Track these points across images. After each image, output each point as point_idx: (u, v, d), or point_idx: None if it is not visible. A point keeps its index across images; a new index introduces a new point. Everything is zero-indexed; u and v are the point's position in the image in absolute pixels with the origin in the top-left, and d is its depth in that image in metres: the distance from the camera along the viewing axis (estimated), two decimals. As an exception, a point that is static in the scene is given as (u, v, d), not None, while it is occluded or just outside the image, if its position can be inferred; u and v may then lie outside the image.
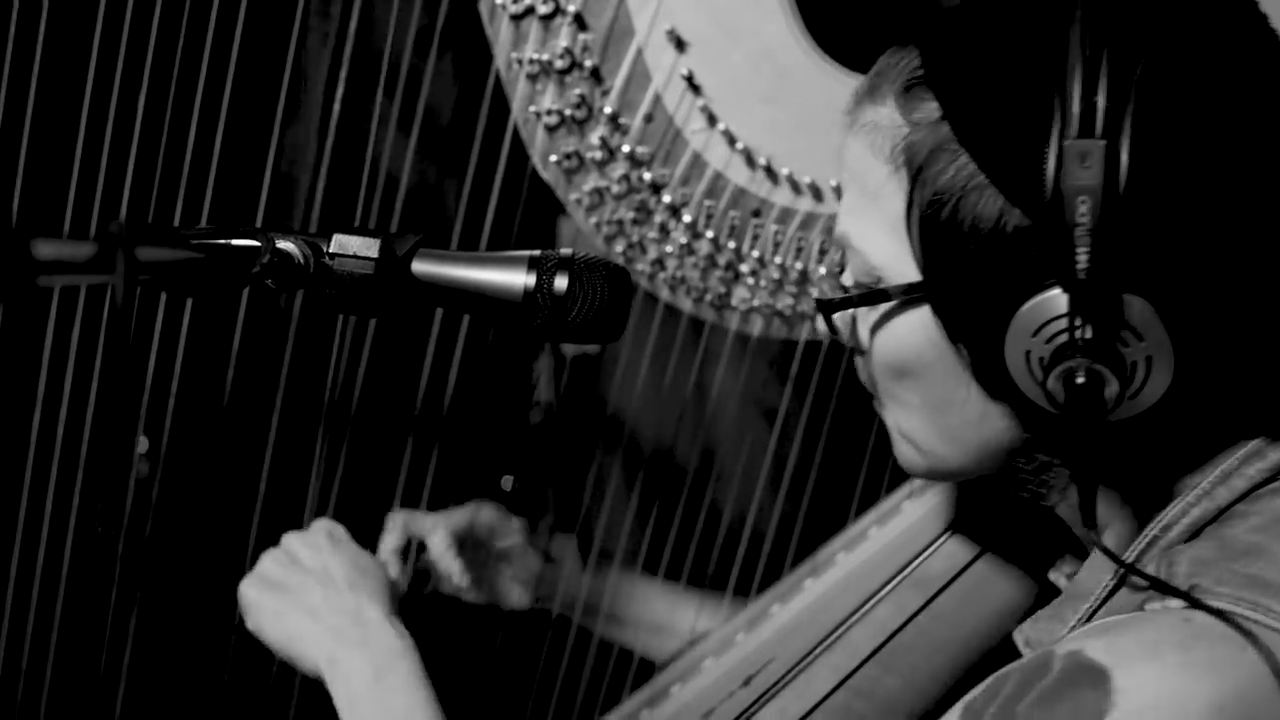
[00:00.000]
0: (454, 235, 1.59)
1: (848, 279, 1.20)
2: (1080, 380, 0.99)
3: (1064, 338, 0.99)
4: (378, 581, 1.45)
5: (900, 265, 1.11)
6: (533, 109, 1.54)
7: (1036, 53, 1.00)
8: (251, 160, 1.57)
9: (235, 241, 1.07)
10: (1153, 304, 0.98)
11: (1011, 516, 1.47)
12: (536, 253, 1.14)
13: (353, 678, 1.37)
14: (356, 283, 1.10)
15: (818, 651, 1.53)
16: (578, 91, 1.53)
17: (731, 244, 1.59)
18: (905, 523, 1.61)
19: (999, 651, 1.42)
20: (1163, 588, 1.02)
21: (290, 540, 1.49)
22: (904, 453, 1.23)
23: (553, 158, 1.56)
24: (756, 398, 1.79)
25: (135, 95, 1.54)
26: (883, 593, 1.54)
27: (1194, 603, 0.99)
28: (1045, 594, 1.41)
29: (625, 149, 1.55)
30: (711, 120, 1.54)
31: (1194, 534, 1.08)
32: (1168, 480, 1.11)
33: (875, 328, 1.16)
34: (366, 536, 1.56)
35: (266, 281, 1.08)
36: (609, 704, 1.70)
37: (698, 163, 1.56)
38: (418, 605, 1.57)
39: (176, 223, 1.55)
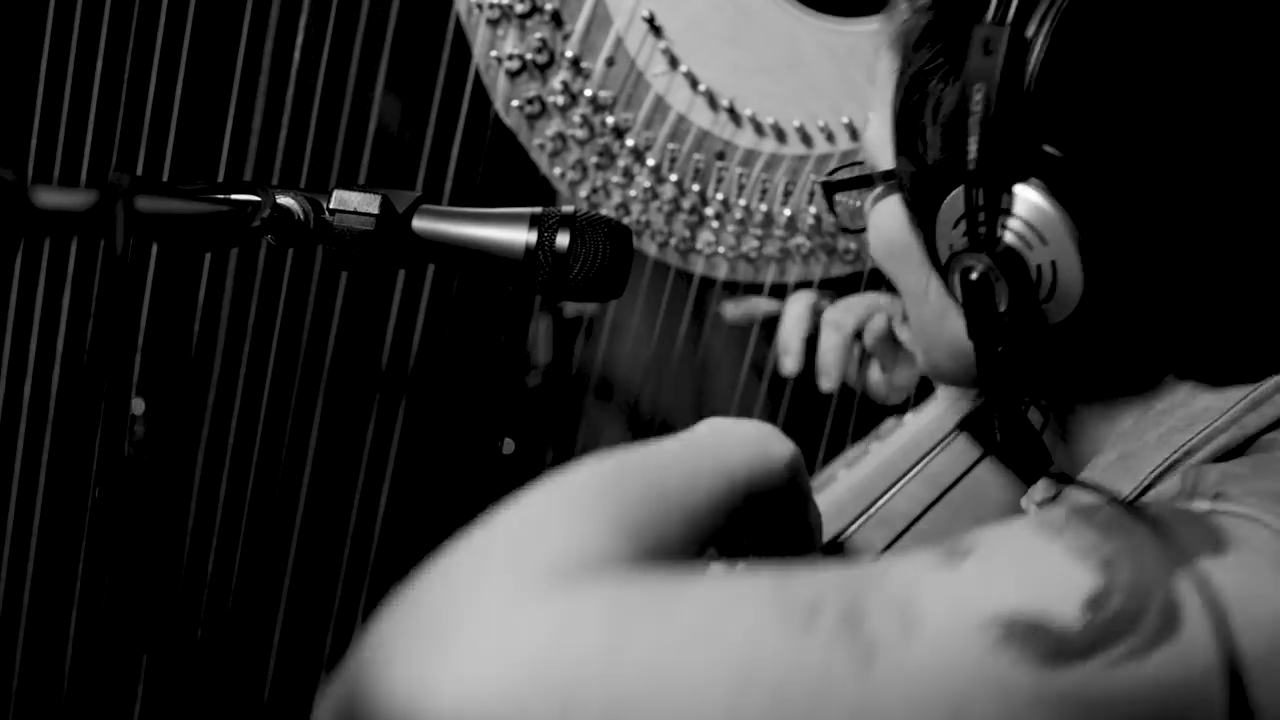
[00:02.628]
0: (417, 182, 1.58)
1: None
2: (972, 277, 0.99)
3: (959, 231, 1.00)
4: None
5: (884, 152, 1.12)
6: (494, 54, 1.53)
7: None
8: (211, 113, 1.54)
9: (235, 196, 1.06)
10: (1062, 205, 0.96)
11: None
12: (538, 210, 1.13)
13: None
14: (356, 239, 1.09)
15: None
16: (539, 36, 1.52)
17: (696, 187, 1.59)
18: (906, 434, 1.59)
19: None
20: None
21: None
22: (916, 350, 1.24)
23: (515, 103, 1.55)
24: (723, 342, 1.79)
25: (94, 47, 1.51)
26: (894, 489, 1.51)
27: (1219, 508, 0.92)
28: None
29: (587, 93, 1.55)
30: (674, 63, 1.54)
31: (1220, 459, 1.03)
32: (1080, 401, 1.11)
33: (873, 210, 1.17)
34: (362, 496, 1.56)
35: (266, 237, 1.07)
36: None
37: (660, 106, 1.56)
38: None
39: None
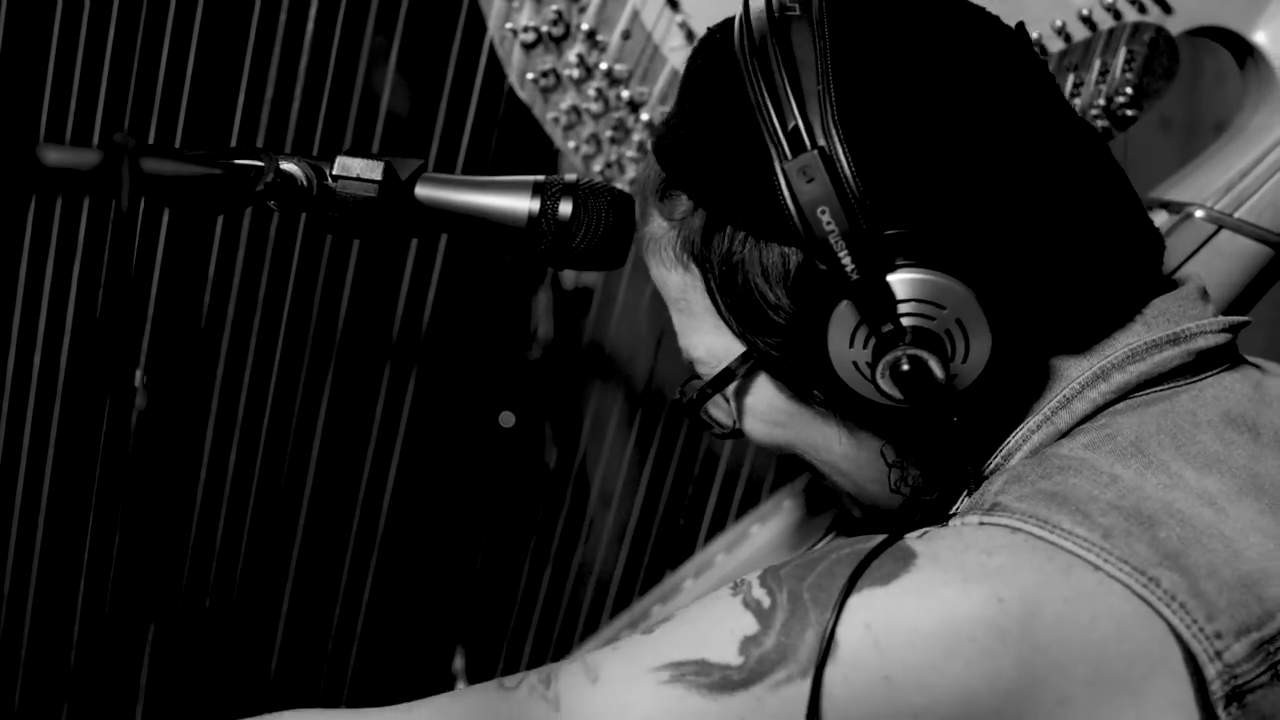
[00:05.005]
0: (431, 154, 1.57)
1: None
2: (905, 367, 1.02)
3: (872, 340, 1.03)
4: None
5: (731, 347, 1.15)
6: (509, 26, 1.51)
7: (733, 112, 1.06)
8: (224, 84, 1.54)
9: (239, 160, 1.06)
10: (938, 271, 1.02)
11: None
12: (540, 178, 1.13)
13: None
14: (359, 205, 1.09)
15: None
16: (554, 8, 1.51)
17: (710, 162, 1.58)
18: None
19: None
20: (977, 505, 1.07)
21: None
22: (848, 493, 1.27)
23: (529, 76, 1.54)
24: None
25: (107, 14, 1.51)
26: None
27: (989, 520, 1.03)
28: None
29: (603, 66, 1.53)
30: (689, 36, 1.53)
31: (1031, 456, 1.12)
32: (1017, 411, 1.14)
33: (738, 402, 1.20)
34: (371, 469, 1.56)
35: (269, 202, 1.07)
36: (589, 628, 1.71)
37: (676, 80, 1.54)
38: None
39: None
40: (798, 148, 1.00)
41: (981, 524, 1.02)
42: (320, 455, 1.62)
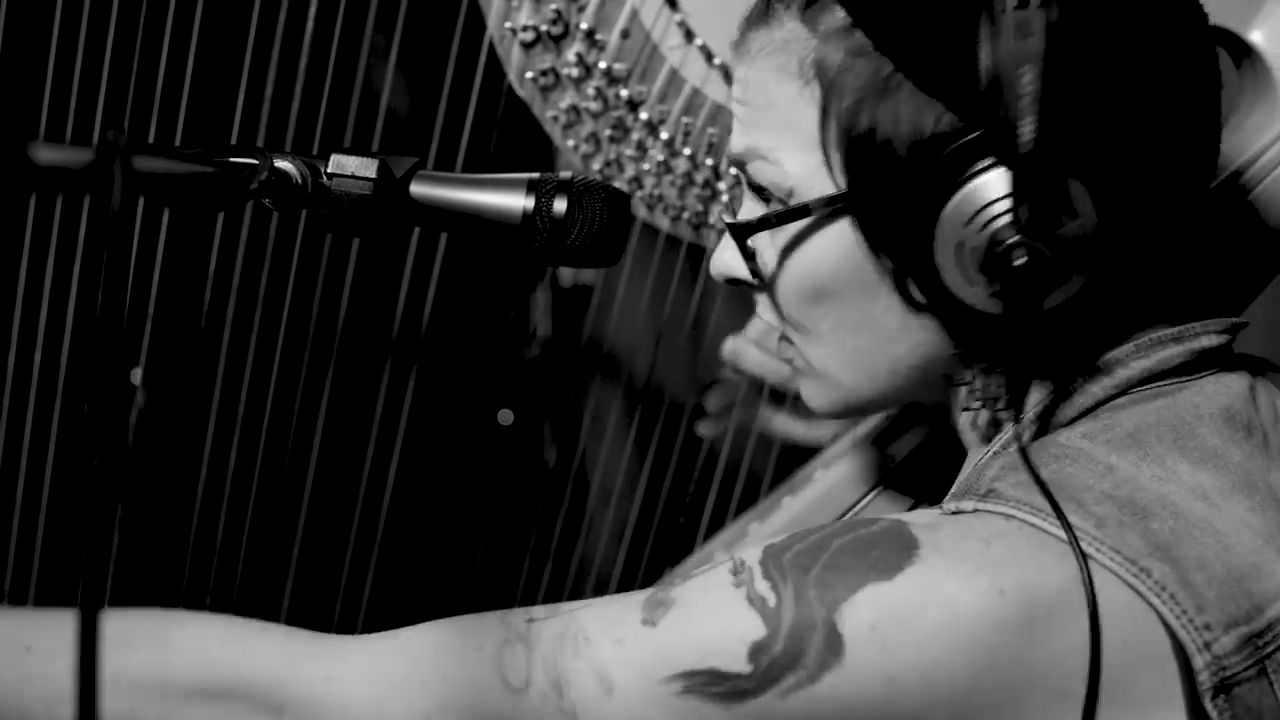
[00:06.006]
0: (430, 154, 1.57)
1: (744, 215, 1.18)
2: (1020, 261, 0.99)
3: (1003, 220, 1.00)
4: None
5: (814, 181, 1.10)
6: (508, 25, 1.52)
7: None
8: (223, 82, 1.54)
9: (232, 158, 1.06)
10: (1083, 182, 1.00)
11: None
12: (535, 175, 1.13)
13: None
14: (353, 203, 1.09)
15: None
16: (554, 7, 1.51)
17: (709, 161, 1.58)
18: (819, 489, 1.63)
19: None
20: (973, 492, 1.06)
21: None
22: (810, 390, 1.21)
23: (529, 74, 1.54)
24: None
25: (107, 12, 1.51)
26: (863, 502, 1.54)
27: (983, 507, 1.03)
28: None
29: (602, 65, 1.54)
30: (689, 35, 1.53)
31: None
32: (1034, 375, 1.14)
33: (787, 250, 1.13)
34: (366, 468, 1.56)
35: (264, 200, 1.07)
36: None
37: (675, 79, 1.55)
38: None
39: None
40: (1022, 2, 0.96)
41: (977, 511, 1.03)
42: (320, 453, 1.62)
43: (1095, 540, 0.98)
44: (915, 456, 1.53)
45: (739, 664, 0.99)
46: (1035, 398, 1.12)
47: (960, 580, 0.97)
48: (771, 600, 0.99)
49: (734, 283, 1.21)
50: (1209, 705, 0.96)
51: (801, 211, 1.10)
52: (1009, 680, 0.96)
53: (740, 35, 1.16)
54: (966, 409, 1.17)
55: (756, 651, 0.98)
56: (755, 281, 1.18)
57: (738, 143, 1.16)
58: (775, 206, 1.13)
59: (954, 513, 1.04)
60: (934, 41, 1.02)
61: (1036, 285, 1.00)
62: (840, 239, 1.10)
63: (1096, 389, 1.10)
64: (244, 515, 1.64)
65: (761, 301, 1.21)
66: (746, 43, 1.15)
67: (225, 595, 1.69)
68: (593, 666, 1.02)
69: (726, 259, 1.20)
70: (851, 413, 1.24)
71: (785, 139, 1.11)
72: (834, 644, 0.97)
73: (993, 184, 1.00)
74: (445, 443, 1.69)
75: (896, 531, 1.01)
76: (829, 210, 1.09)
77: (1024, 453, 1.04)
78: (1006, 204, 0.99)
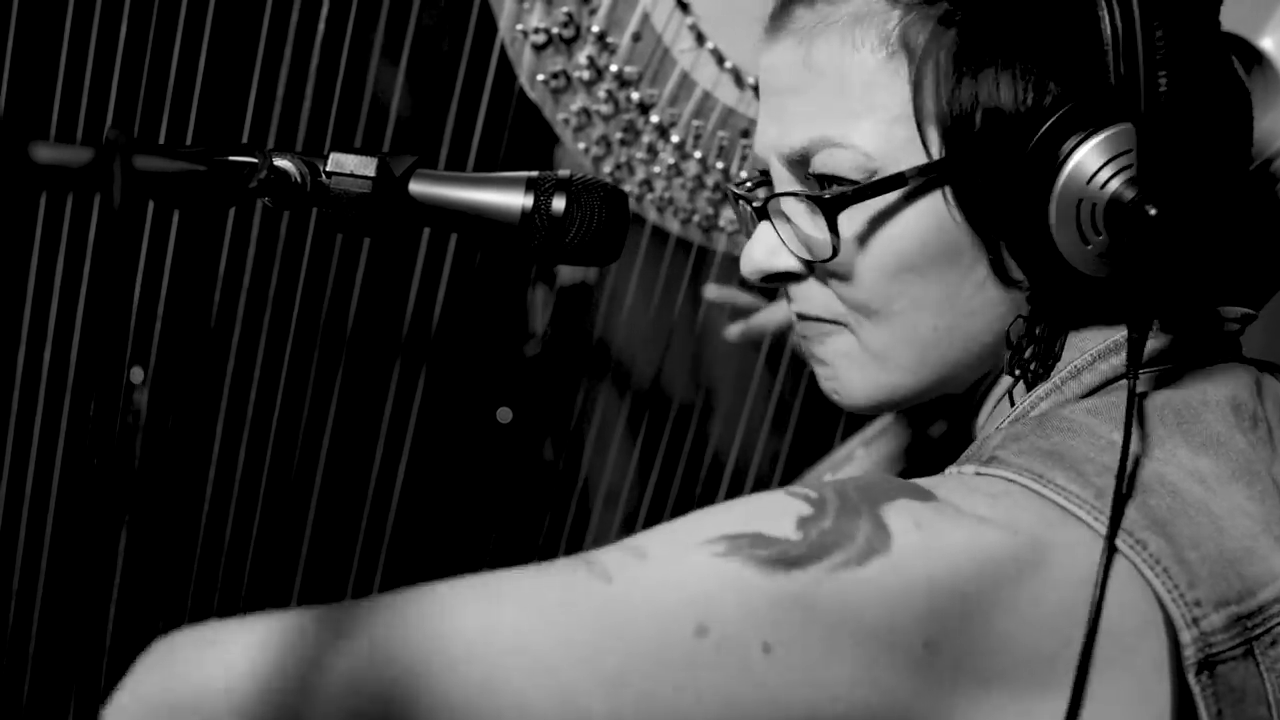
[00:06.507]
0: (441, 155, 1.58)
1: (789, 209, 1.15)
2: (1154, 212, 0.97)
3: (1129, 173, 0.99)
4: None
5: (901, 155, 1.07)
6: (520, 28, 1.52)
7: None
8: (234, 83, 1.55)
9: (232, 157, 1.06)
10: (1192, 145, 1.02)
11: None
12: (534, 174, 1.13)
13: None
14: (352, 202, 1.09)
15: None
16: (565, 10, 1.51)
17: (720, 164, 1.58)
18: (890, 445, 1.62)
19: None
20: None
21: None
22: (856, 377, 1.17)
23: (540, 77, 1.54)
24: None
25: (119, 14, 1.52)
26: None
27: (984, 471, 1.02)
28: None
29: (613, 68, 1.54)
30: (700, 39, 1.53)
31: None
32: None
33: (871, 225, 1.09)
34: (374, 468, 1.56)
35: (263, 199, 1.07)
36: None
37: (686, 82, 1.55)
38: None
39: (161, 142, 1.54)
40: None
41: (978, 474, 1.02)
42: (329, 453, 1.62)
43: (1094, 510, 0.97)
44: (948, 439, 1.53)
45: (787, 530, 0.93)
46: (1042, 387, 1.11)
47: (979, 518, 0.95)
48: (815, 495, 0.96)
49: (772, 280, 1.18)
50: (1192, 680, 0.95)
51: (897, 181, 1.06)
52: (1030, 619, 0.94)
53: (784, 13, 1.12)
54: (1010, 373, 1.14)
55: (805, 523, 0.93)
56: (803, 270, 1.16)
57: (796, 136, 1.11)
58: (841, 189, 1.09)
59: (957, 474, 1.04)
60: (1028, 9, 1.02)
61: (1164, 240, 0.98)
62: (932, 212, 1.07)
63: (1105, 367, 1.09)
64: (253, 513, 1.64)
65: (803, 293, 1.18)
66: (794, 20, 1.11)
67: (234, 592, 1.69)
68: (621, 544, 0.95)
69: (762, 253, 1.17)
70: (891, 404, 1.19)
71: (863, 119, 1.08)
72: (880, 533, 0.93)
73: (1117, 140, 0.99)
74: (454, 443, 1.69)
75: (912, 485, 0.99)
76: (923, 181, 1.06)
77: (1027, 423, 1.05)
78: (1130, 160, 0.99)
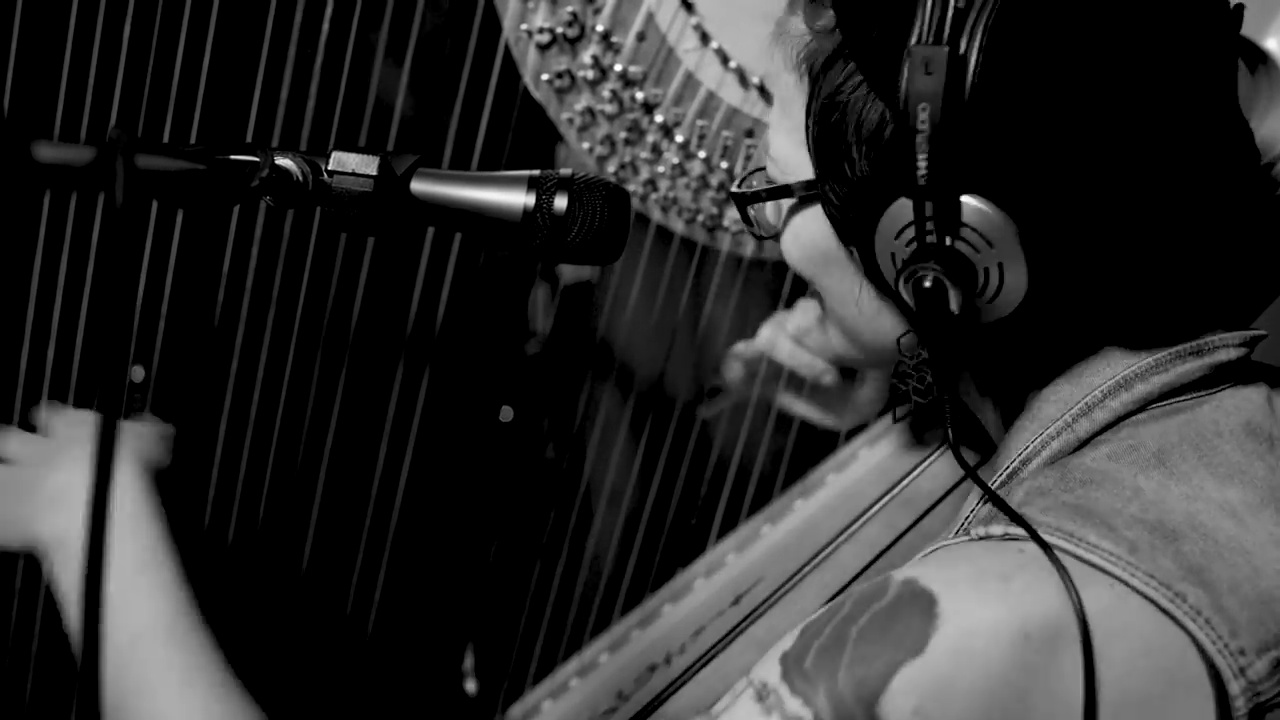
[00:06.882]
0: (445, 155, 1.58)
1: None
2: (926, 284, 1.03)
3: (913, 244, 1.03)
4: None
5: (803, 167, 1.14)
6: (524, 27, 1.52)
7: None
8: (238, 82, 1.55)
9: (234, 156, 1.06)
10: (1005, 211, 1.00)
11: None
12: (536, 172, 1.13)
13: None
14: (354, 200, 1.09)
15: (806, 570, 1.53)
16: (569, 9, 1.51)
17: (724, 164, 1.58)
18: (894, 444, 1.62)
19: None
20: (1006, 511, 1.05)
21: None
22: (817, 339, 1.29)
23: (544, 77, 1.54)
24: (749, 319, 1.78)
25: (122, 11, 1.52)
26: (872, 511, 1.54)
27: (1013, 532, 1.02)
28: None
29: (617, 68, 1.54)
30: (704, 39, 1.53)
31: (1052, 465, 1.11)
32: (1026, 388, 1.15)
33: (785, 222, 1.20)
34: (378, 468, 1.56)
35: (265, 198, 1.07)
36: (599, 626, 1.71)
37: (690, 82, 1.55)
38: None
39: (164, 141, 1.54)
40: (939, 35, 0.97)
41: (1006, 535, 1.02)
42: (332, 452, 1.62)
43: (1129, 565, 0.97)
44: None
45: None
46: (1052, 426, 1.13)
47: (987, 633, 0.95)
48: (809, 716, 0.97)
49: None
50: None
51: (785, 190, 1.17)
52: (1038, 710, 0.95)
53: (782, 15, 1.19)
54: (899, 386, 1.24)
55: None
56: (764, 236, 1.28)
57: (768, 137, 1.23)
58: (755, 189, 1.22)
59: (982, 538, 1.04)
60: (887, 54, 1.03)
61: (942, 304, 1.03)
62: (820, 219, 1.15)
63: (1116, 404, 1.09)
64: (256, 511, 1.64)
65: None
66: (780, 25, 1.18)
67: (237, 591, 1.69)
68: None
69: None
70: (859, 367, 1.29)
71: (783, 127, 1.17)
72: None
73: (905, 206, 1.03)
74: (458, 443, 1.69)
75: (911, 594, 0.98)
76: (805, 194, 1.16)
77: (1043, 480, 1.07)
78: (907, 230, 1.04)
